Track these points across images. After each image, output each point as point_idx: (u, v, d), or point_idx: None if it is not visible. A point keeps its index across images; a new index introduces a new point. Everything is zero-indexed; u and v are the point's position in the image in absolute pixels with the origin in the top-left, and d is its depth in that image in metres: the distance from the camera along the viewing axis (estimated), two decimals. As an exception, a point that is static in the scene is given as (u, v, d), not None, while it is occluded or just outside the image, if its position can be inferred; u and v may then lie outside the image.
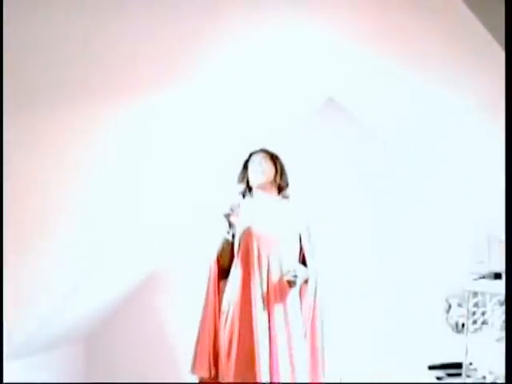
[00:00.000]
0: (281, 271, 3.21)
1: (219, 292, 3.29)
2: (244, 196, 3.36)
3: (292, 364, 3.11)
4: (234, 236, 3.29)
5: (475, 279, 5.22)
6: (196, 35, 2.93)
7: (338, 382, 4.98)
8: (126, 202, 4.22)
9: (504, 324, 4.86)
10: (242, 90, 4.07)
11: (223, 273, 3.32)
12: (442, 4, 2.44)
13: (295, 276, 3.16)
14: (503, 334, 4.82)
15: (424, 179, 5.68)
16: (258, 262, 3.19)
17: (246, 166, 3.45)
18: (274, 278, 3.20)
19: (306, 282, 3.30)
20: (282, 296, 3.19)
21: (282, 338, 3.12)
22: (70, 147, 3.24)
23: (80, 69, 2.70)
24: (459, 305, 5.43)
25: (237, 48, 3.43)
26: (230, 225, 3.26)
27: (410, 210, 5.65)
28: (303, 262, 3.35)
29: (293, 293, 3.24)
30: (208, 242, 5.53)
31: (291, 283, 3.18)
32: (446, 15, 2.52)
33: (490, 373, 4.86)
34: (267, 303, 3.15)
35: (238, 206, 3.27)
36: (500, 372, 4.66)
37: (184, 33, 2.87)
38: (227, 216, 3.24)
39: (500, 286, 4.70)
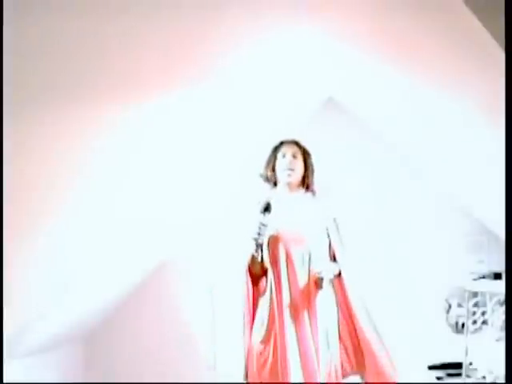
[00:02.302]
0: (309, 268, 3.16)
1: (254, 299, 3.26)
2: (269, 211, 3.17)
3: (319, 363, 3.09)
4: (262, 250, 3.23)
5: (475, 279, 5.23)
6: (199, 38, 2.93)
7: (338, 381, 4.96)
8: (128, 200, 4.23)
9: (504, 324, 4.86)
10: (243, 91, 4.07)
11: (257, 278, 3.26)
12: (442, 5, 2.44)
13: (321, 277, 3.12)
14: (503, 334, 4.83)
15: (424, 179, 5.69)
16: (287, 265, 3.16)
17: (275, 156, 3.29)
18: (308, 276, 3.14)
19: (339, 275, 3.23)
20: (317, 294, 3.15)
21: (314, 339, 3.10)
22: (73, 148, 3.24)
23: (81, 70, 2.70)
24: (459, 305, 5.43)
25: (238, 49, 3.43)
26: (258, 245, 3.15)
27: (409, 210, 5.66)
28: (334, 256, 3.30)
29: (325, 290, 3.18)
30: (210, 241, 5.57)
31: (318, 285, 3.13)
32: (446, 17, 2.52)
33: (490, 373, 4.87)
34: (302, 302, 3.13)
35: (266, 227, 3.14)
36: (500, 372, 4.66)
37: (187, 36, 2.88)
38: (256, 240, 3.13)
39: (500, 285, 4.71)
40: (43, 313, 4.49)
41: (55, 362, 5.25)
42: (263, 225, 3.11)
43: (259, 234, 3.11)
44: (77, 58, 2.60)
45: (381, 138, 5.65)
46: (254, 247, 3.13)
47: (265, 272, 3.22)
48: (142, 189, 4.22)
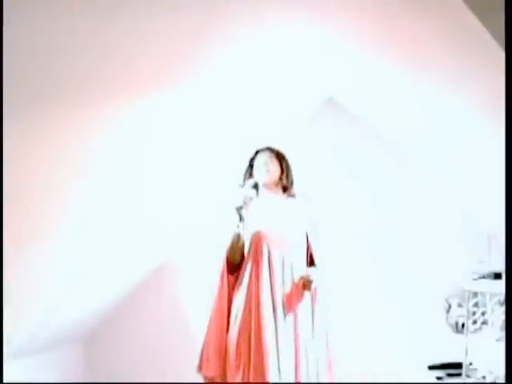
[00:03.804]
0: (292, 273, 3.20)
1: (229, 288, 3.27)
2: (257, 189, 3.30)
3: (299, 364, 3.11)
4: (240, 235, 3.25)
5: (475, 279, 5.22)
6: (197, 36, 2.93)
7: (338, 382, 4.97)
8: (128, 199, 4.22)
9: (504, 324, 4.86)
10: (242, 90, 4.07)
11: (234, 268, 3.30)
12: (442, 4, 2.44)
13: (310, 280, 3.16)
14: (503, 334, 4.83)
15: (424, 179, 5.69)
16: (269, 264, 3.18)
17: (251, 164, 3.41)
18: (287, 279, 3.18)
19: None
20: (297, 297, 3.18)
21: (292, 339, 3.12)
22: (72, 147, 3.24)
23: (80, 69, 2.70)
24: (459, 305, 5.43)
25: (237, 48, 3.44)
26: (241, 218, 3.21)
27: (409, 210, 5.65)
28: (311, 261, 3.34)
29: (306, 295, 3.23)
30: (211, 240, 5.57)
31: (306, 286, 3.17)
32: (447, 16, 2.53)
33: (490, 373, 4.86)
34: (280, 304, 3.14)
35: (251, 199, 3.22)
36: (500, 372, 4.66)
37: (185, 34, 2.87)
38: (239, 209, 3.19)
39: (500, 285, 4.70)
40: (43, 313, 4.48)
41: (55, 362, 5.24)
42: (249, 197, 3.21)
43: (245, 202, 3.19)
44: (74, 58, 2.60)
45: (381, 137, 5.65)
46: (238, 219, 3.20)
47: (242, 260, 3.25)
48: (141, 188, 4.22)
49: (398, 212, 5.65)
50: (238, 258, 3.27)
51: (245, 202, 3.19)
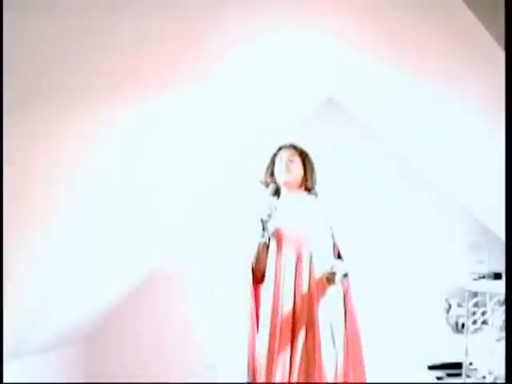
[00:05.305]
0: (311, 268, 3.16)
1: (257, 298, 3.24)
2: (278, 196, 3.23)
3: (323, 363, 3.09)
4: (269, 238, 3.21)
5: (475, 279, 5.23)
6: (200, 38, 2.93)
7: (338, 382, 4.96)
8: (126, 200, 4.22)
9: (504, 324, 4.86)
10: (242, 91, 4.07)
11: (261, 277, 3.22)
12: (442, 5, 2.44)
13: (333, 273, 3.15)
14: (503, 334, 4.83)
15: (424, 179, 5.69)
16: (290, 263, 3.16)
17: (273, 161, 3.32)
18: (309, 276, 3.15)
19: (345, 276, 3.22)
20: (320, 294, 3.15)
21: (317, 337, 3.10)
22: (71, 147, 3.24)
23: (82, 69, 2.70)
24: (459, 305, 5.43)
25: (238, 49, 3.43)
26: (264, 228, 3.14)
27: (410, 210, 5.66)
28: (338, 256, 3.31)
29: (334, 290, 3.17)
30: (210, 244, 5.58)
31: (330, 280, 3.16)
32: (446, 16, 2.53)
33: (490, 373, 4.86)
34: (305, 302, 3.12)
35: (275, 209, 3.15)
36: (500, 372, 4.66)
37: (188, 35, 2.87)
38: (265, 222, 3.12)
39: (500, 286, 4.70)
40: (43, 313, 4.48)
41: (55, 362, 5.24)
42: (274, 207, 3.13)
43: (269, 215, 3.11)
44: (76, 58, 2.60)
45: (380, 137, 5.65)
46: (261, 229, 3.12)
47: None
48: (141, 187, 4.22)
49: (398, 212, 5.65)
50: (264, 266, 3.21)
51: (269, 215, 3.11)
